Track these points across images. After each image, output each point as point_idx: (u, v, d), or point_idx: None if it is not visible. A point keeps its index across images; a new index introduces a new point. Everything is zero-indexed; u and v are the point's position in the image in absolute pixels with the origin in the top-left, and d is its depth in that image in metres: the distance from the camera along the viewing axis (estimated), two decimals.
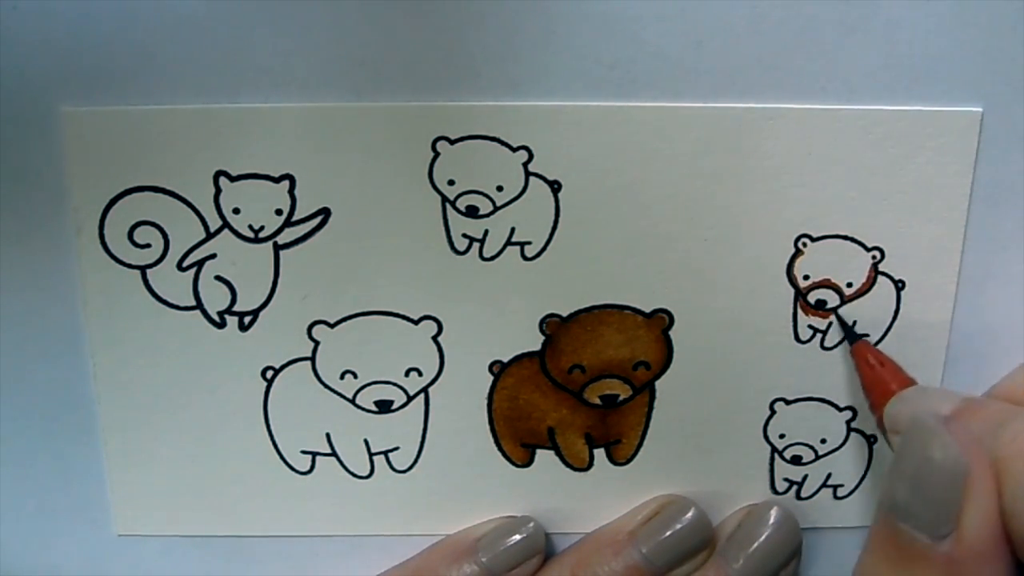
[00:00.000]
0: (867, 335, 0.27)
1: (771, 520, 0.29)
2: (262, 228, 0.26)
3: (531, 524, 0.29)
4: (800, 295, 0.27)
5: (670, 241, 0.27)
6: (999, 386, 0.27)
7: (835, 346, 0.28)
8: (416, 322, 0.27)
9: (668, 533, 0.28)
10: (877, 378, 0.26)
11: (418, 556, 0.29)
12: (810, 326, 0.28)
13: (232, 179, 0.26)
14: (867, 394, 0.27)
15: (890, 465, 0.22)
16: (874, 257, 0.27)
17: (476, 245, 0.27)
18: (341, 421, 0.28)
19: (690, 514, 0.28)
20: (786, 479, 0.29)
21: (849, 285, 0.27)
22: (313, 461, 0.29)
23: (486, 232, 0.27)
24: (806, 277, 0.27)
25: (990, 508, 0.20)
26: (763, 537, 0.28)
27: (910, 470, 0.21)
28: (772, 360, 0.28)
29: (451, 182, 0.26)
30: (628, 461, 0.29)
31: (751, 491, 0.29)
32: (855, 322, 0.28)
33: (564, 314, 0.27)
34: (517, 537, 0.28)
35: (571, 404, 0.28)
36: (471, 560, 0.28)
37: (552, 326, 0.28)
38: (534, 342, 0.28)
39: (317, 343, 0.28)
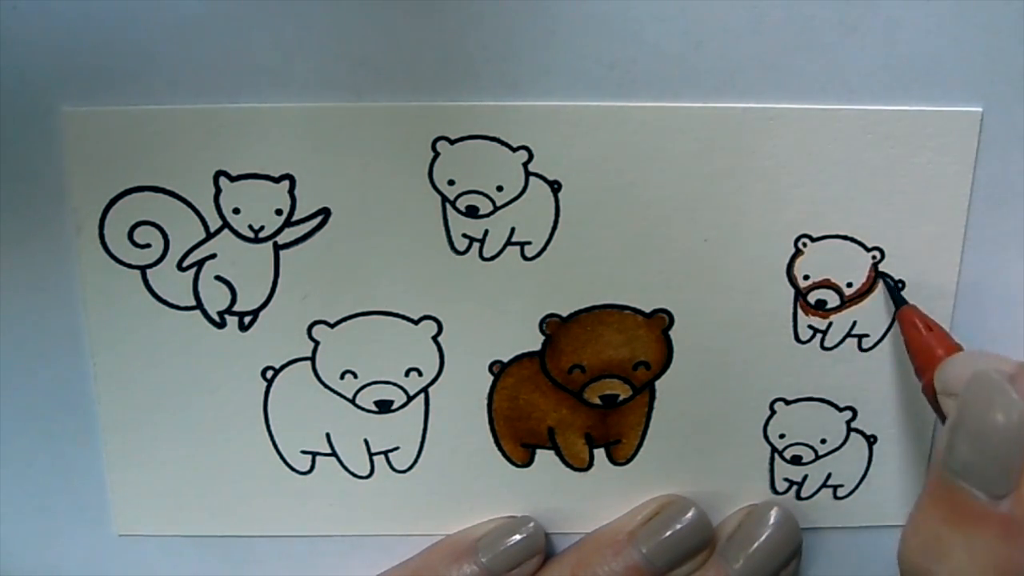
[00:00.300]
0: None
1: (771, 520, 0.29)
2: (262, 228, 0.26)
3: (531, 524, 0.29)
4: (800, 295, 0.27)
5: (670, 241, 0.27)
6: None
7: (835, 346, 0.28)
8: (416, 322, 0.27)
9: (668, 533, 0.28)
10: (924, 343, 0.25)
11: (418, 556, 0.29)
12: (810, 326, 0.28)
13: (232, 179, 0.26)
14: (913, 358, 0.26)
15: (949, 423, 0.21)
16: (874, 257, 0.27)
17: (476, 245, 0.27)
18: (341, 421, 0.28)
19: (690, 514, 0.28)
20: (786, 479, 0.29)
21: (849, 285, 0.27)
22: (313, 461, 0.29)
23: (486, 232, 0.27)
24: (806, 277, 0.27)
25: None
26: (763, 537, 0.28)
27: (973, 426, 0.20)
28: (772, 360, 0.28)
29: (451, 182, 0.26)
30: (628, 461, 0.29)
31: (751, 491, 0.29)
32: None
33: (564, 314, 0.27)
34: (517, 537, 0.28)
35: (571, 404, 0.28)
36: (471, 560, 0.28)
37: (552, 326, 0.28)
38: (534, 342, 0.28)
39: (317, 343, 0.28)
